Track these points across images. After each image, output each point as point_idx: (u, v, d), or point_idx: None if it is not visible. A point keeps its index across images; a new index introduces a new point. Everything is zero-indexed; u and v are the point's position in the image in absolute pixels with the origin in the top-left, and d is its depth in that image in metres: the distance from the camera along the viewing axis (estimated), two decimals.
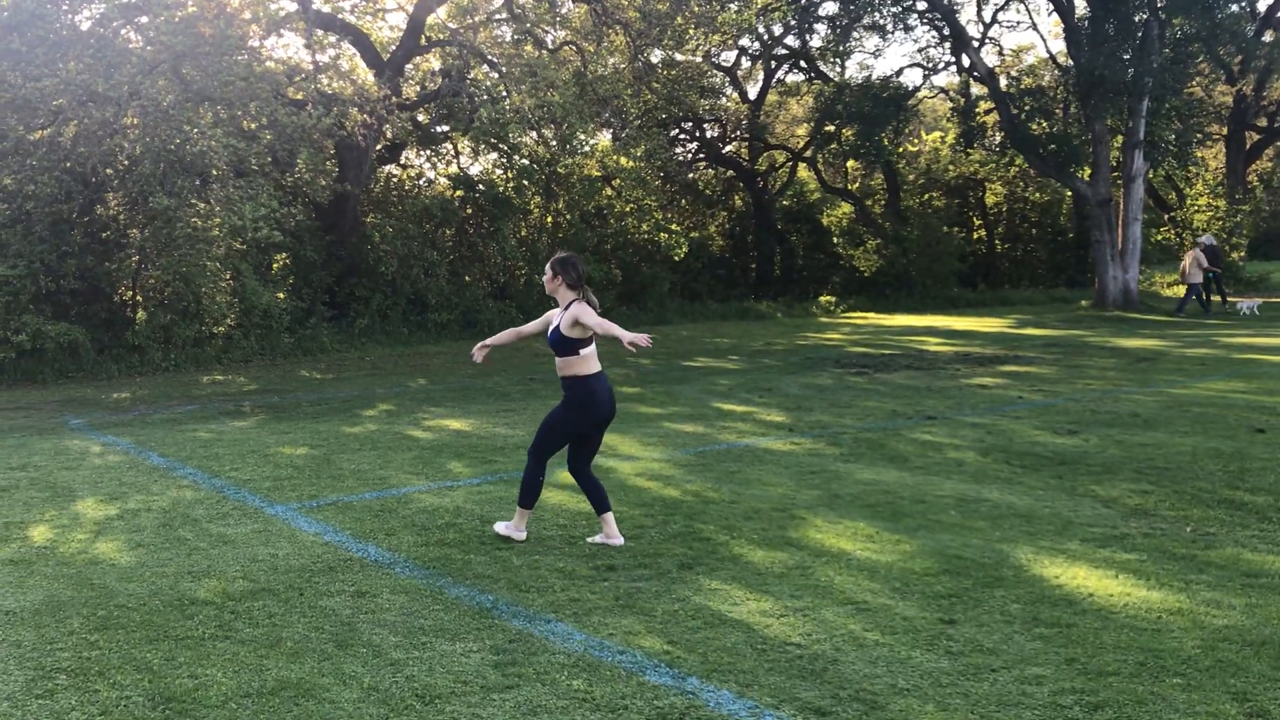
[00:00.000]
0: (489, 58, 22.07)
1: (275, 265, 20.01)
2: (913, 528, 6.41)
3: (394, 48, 22.05)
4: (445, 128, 23.14)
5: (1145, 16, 25.23)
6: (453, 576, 5.62)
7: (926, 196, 34.53)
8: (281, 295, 18.71)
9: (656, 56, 27.00)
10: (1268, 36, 32.20)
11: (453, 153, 25.38)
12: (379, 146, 22.03)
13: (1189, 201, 34.60)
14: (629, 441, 9.57)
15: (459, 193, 23.21)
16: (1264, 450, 8.43)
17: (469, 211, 23.23)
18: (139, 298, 17.44)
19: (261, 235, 16.78)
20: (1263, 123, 36.30)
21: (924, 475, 7.89)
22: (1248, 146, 36.09)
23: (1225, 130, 35.33)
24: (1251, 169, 38.40)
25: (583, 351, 6.08)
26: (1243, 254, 34.18)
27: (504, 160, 24.05)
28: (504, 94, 21.95)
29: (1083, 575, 5.40)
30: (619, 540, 6.16)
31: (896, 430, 9.88)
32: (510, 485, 7.74)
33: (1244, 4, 27.74)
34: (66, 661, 4.54)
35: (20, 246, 15.03)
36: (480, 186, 23.45)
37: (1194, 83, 29.50)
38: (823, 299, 29.54)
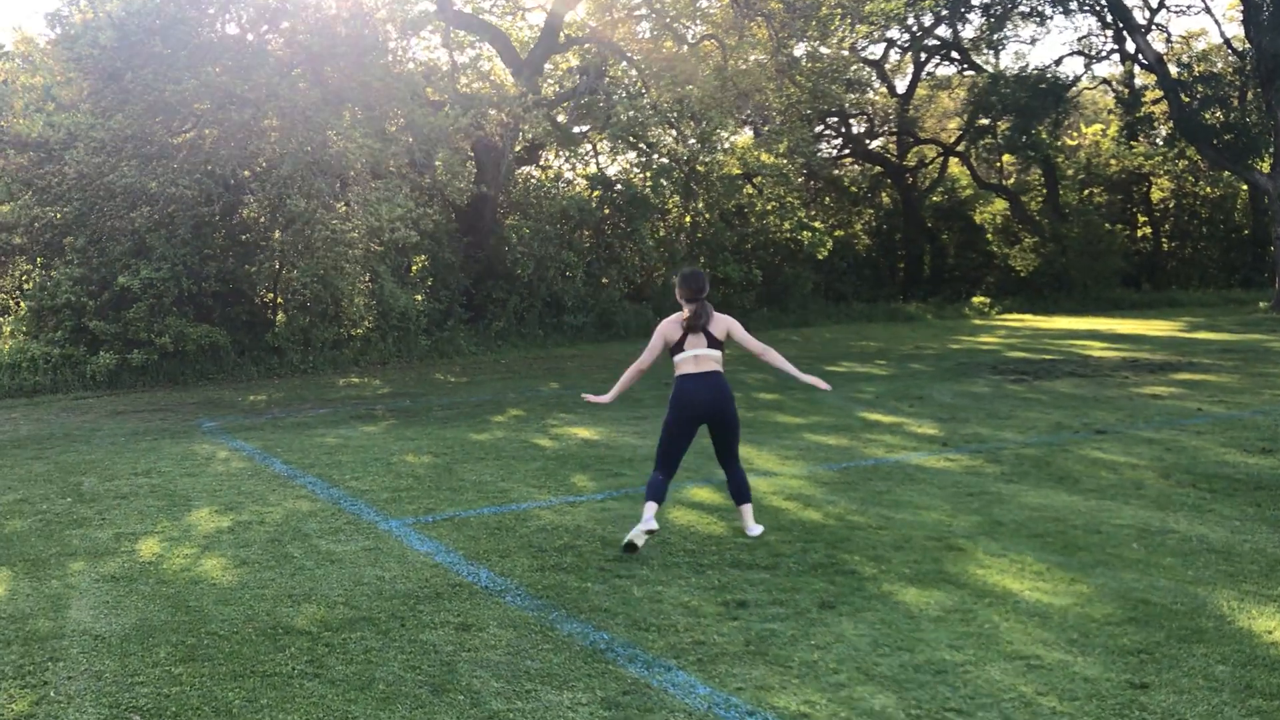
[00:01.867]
0: (627, 54, 21.64)
1: (414, 268, 19.98)
2: (1089, 564, 5.61)
3: (533, 46, 21.83)
4: (584, 127, 22.83)
5: None
6: (566, 609, 5.09)
7: (1087, 192, 32.81)
8: (419, 297, 18.64)
9: (800, 50, 26.20)
10: None
11: (591, 152, 25.09)
12: (517, 148, 21.86)
13: None
14: (765, 455, 8.93)
15: (596, 193, 22.88)
16: None
17: (606, 212, 22.88)
18: (279, 300, 17.56)
19: (399, 236, 16.71)
20: None
21: (1098, 499, 7.03)
22: None
23: None
24: None
25: (676, 357, 6.48)
26: None
27: (642, 159, 23.63)
28: (642, 91, 21.53)
29: None
30: (754, 530, 6.34)
31: (1063, 446, 8.99)
32: (635, 501, 7.20)
33: None
34: (145, 699, 4.17)
35: (164, 249, 15.23)
36: (618, 186, 23.07)
37: None
38: (976, 300, 28.26)
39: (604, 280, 21.84)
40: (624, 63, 22.00)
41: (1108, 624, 4.71)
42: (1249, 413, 10.47)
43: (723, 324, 6.44)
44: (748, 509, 6.39)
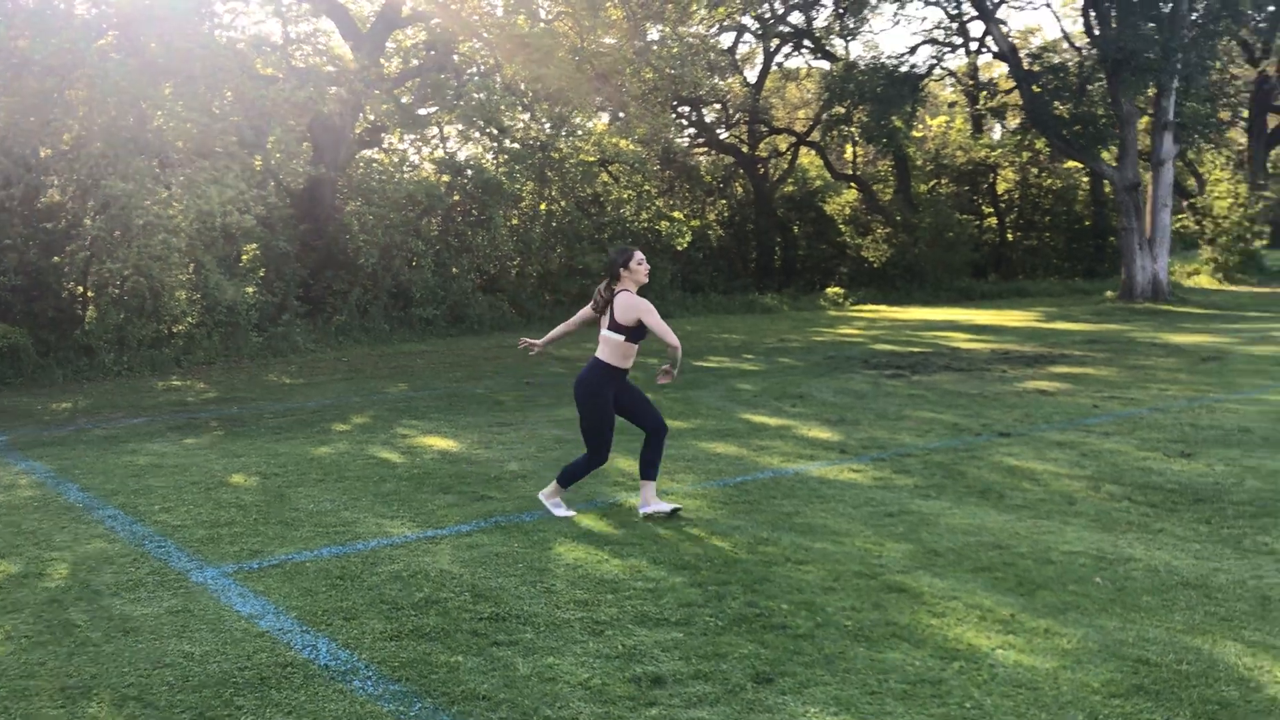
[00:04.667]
0: (478, 31, 20.31)
1: (244, 257, 18.23)
2: (1057, 606, 4.76)
3: (374, 20, 20.29)
4: (431, 108, 21.37)
5: None
6: (433, 696, 3.95)
7: (934, 183, 32.91)
8: (250, 289, 16.94)
9: (655, 33, 25.29)
10: None
11: (439, 136, 23.64)
12: (358, 129, 20.29)
13: (1209, 187, 33.06)
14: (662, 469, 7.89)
15: (445, 178, 21.48)
16: None
17: (456, 198, 21.49)
18: (89, 294, 15.66)
19: (231, 221, 15.06)
20: None
21: (1032, 518, 6.24)
22: (1269, 130, 34.54)
23: (1247, 113, 33.76)
24: (1274, 153, 36.87)
25: None
26: (1264, 242, 32.62)
27: (494, 144, 22.33)
28: (495, 70, 20.26)
29: None
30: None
31: (970, 451, 8.24)
32: (508, 533, 6.07)
33: None
34: None
35: None
36: (469, 171, 21.71)
37: (1217, 65, 27.92)
38: (830, 291, 27.90)
39: (454, 270, 20.46)
40: (475, 40, 20.66)
41: (1113, 696, 3.83)
42: (1146, 410, 9.97)
43: (629, 309, 6.14)
44: (551, 489, 6.55)
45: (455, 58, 20.96)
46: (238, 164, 15.87)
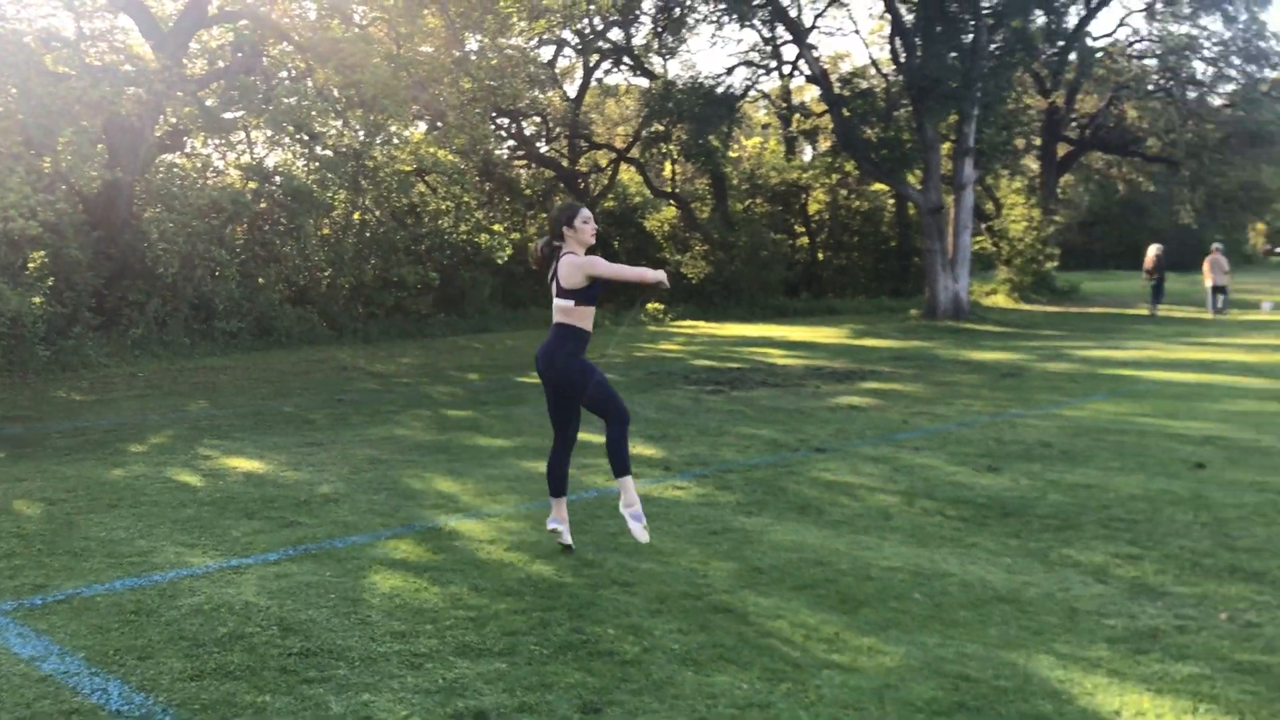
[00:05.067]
0: (289, 34, 19.60)
1: (31, 265, 17.02)
2: (879, 623, 4.80)
3: (177, 18, 19.33)
4: (238, 112, 20.50)
5: (972, 22, 24.82)
6: None
7: (749, 202, 33.64)
8: (37, 300, 15.82)
9: (475, 44, 25.00)
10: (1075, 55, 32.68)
11: (246, 141, 22.71)
12: (158, 131, 19.27)
13: (1005, 211, 34.89)
14: (470, 488, 7.69)
15: (252, 184, 20.63)
16: (1222, 493, 7.24)
17: (264, 206, 20.67)
18: None
19: (15, 228, 14.05)
20: (1074, 134, 36.98)
21: (851, 534, 6.32)
22: (1059, 158, 36.70)
23: (1039, 141, 35.80)
24: (1063, 180, 39.20)
25: None
26: (1055, 264, 34.61)
27: (305, 150, 21.58)
28: (307, 75, 19.59)
29: (1151, 708, 3.88)
30: (640, 533, 5.67)
31: (789, 467, 8.33)
32: (319, 561, 5.77)
33: (1053, 19, 27.82)
34: None
35: None
36: (277, 178, 20.92)
37: (1013, 95, 29.51)
38: (650, 306, 28.10)
39: (261, 281, 19.64)
40: (285, 44, 19.93)
41: (936, 714, 3.85)
42: (953, 425, 10.33)
43: (573, 270, 5.69)
44: (626, 481, 5.72)
45: (265, 60, 20.21)
46: (23, 165, 14.84)
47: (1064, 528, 6.41)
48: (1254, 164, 38.43)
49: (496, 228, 25.94)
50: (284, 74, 20.33)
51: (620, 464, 5.71)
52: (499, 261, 24.57)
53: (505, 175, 30.04)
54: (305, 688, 4.11)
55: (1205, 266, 27.09)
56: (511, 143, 31.51)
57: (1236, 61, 33.89)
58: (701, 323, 26.12)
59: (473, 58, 23.90)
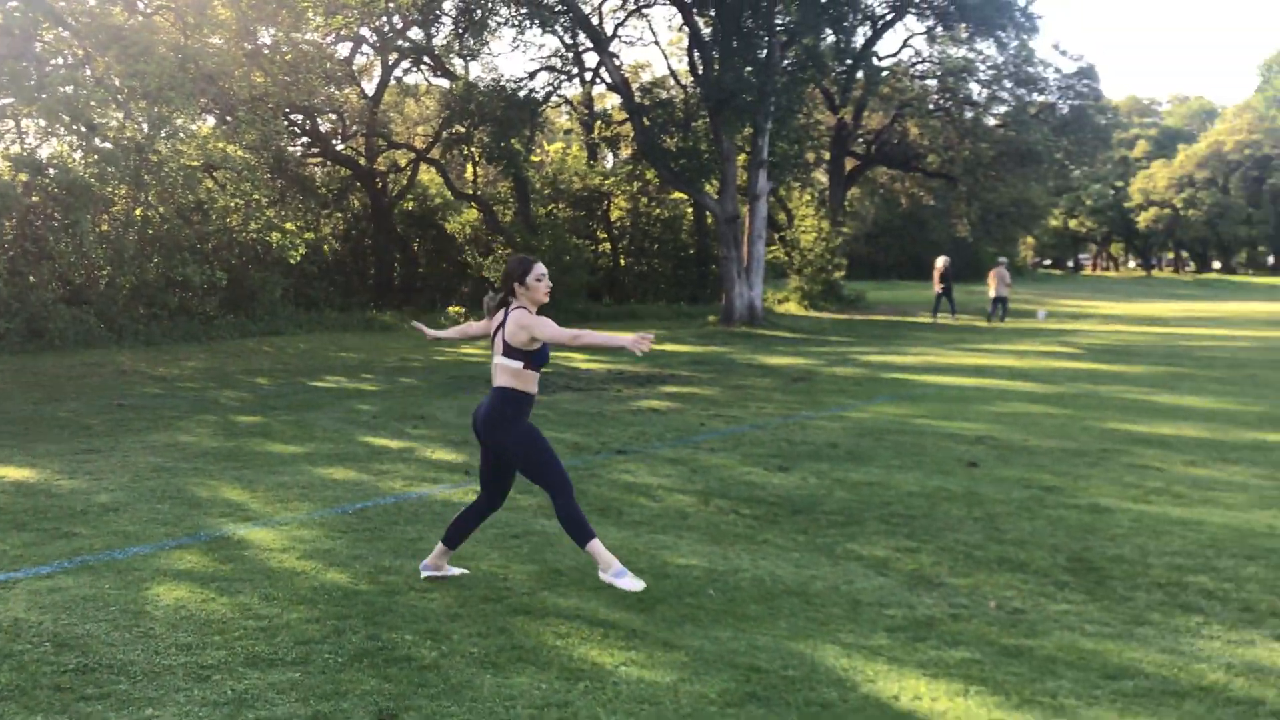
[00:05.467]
0: (65, 19, 18.49)
1: None
2: (674, 620, 4.92)
3: None
4: (7, 99, 19.20)
5: (767, 38, 25.64)
6: None
7: (552, 207, 33.74)
8: None
9: (268, 38, 24.20)
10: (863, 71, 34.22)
11: (15, 130, 21.28)
12: None
13: (797, 222, 36.15)
14: (260, 495, 7.44)
15: (22, 177, 19.35)
16: (992, 488, 7.73)
17: (36, 199, 19.42)
18: None
19: None
20: (861, 149, 38.64)
21: (650, 534, 6.44)
22: (846, 172, 38.29)
23: (829, 155, 37.26)
24: (851, 193, 40.92)
25: None
26: (843, 273, 36.07)
27: (83, 142, 20.39)
28: (85, 63, 18.54)
29: (926, 692, 4.11)
30: (620, 583, 5.13)
31: (590, 470, 8.42)
32: (97, 574, 5.48)
33: (842, 38, 29.08)
34: None
35: None
36: (51, 170, 19.68)
37: (805, 110, 30.63)
38: (452, 310, 27.80)
39: (32, 279, 18.44)
40: (61, 29, 18.78)
41: (728, 705, 3.98)
42: (748, 427, 10.65)
43: (520, 328, 5.21)
44: (594, 547, 5.20)
45: (38, 46, 18.99)
46: None
47: (849, 523, 6.71)
48: (1024, 181, 41.09)
49: (289, 226, 25.15)
50: (59, 60, 19.16)
51: (580, 534, 5.23)
52: (291, 261, 23.82)
53: (299, 173, 29.17)
54: (82, 705, 3.90)
55: (990, 278, 29.06)
56: (306, 140, 30.63)
57: (1008, 85, 36.21)
58: None
59: (265, 51, 23.16)
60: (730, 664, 4.37)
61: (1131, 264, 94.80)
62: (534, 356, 5.25)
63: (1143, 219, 78.01)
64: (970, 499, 7.40)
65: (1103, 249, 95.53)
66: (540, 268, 5.38)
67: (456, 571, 5.54)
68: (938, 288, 29.34)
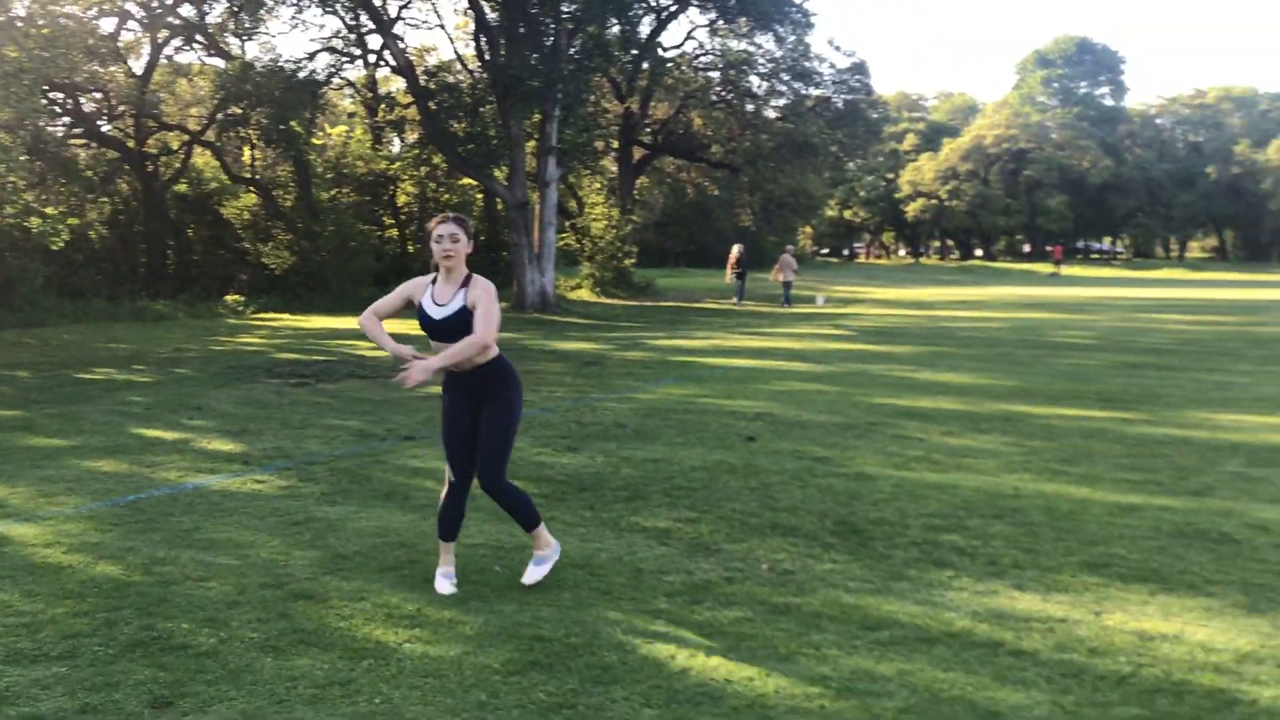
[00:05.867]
0: None
1: None
2: (460, 597, 4.98)
3: None
4: None
5: (553, 25, 25.77)
6: None
7: (335, 192, 32.94)
8: None
9: (22, 9, 22.63)
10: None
11: None
12: None
13: (587, 209, 36.48)
14: (22, 491, 7.06)
15: None
16: (768, 461, 8.09)
17: None
18: None
19: None
20: (648, 139, 39.28)
21: (435, 517, 6.45)
22: (635, 161, 38.87)
23: (617, 144, 37.72)
24: (639, 182, 41.52)
25: None
26: (633, 260, 36.65)
27: None
28: None
29: (701, 650, 4.32)
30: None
31: (376, 456, 8.35)
32: None
33: (627, 28, 29.54)
34: None
35: None
36: None
37: (593, 98, 30.93)
38: (229, 299, 26.83)
39: None
40: None
41: (512, 674, 4.07)
42: (538, 410, 10.75)
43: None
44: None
45: None
46: None
47: (633, 498, 6.91)
48: (802, 173, 42.73)
49: (50, 211, 23.66)
50: None
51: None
52: (53, 248, 22.44)
53: (60, 154, 27.45)
54: None
55: (777, 265, 30.52)
56: (67, 119, 28.84)
57: (786, 78, 37.52)
58: (286, 315, 25.29)
59: (19, 24, 21.67)
60: (514, 635, 4.47)
61: (902, 252, 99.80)
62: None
63: (911, 209, 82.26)
64: (748, 471, 7.73)
65: (875, 238, 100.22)
66: (441, 227, 5.00)
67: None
68: (732, 274, 30.67)
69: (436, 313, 5.00)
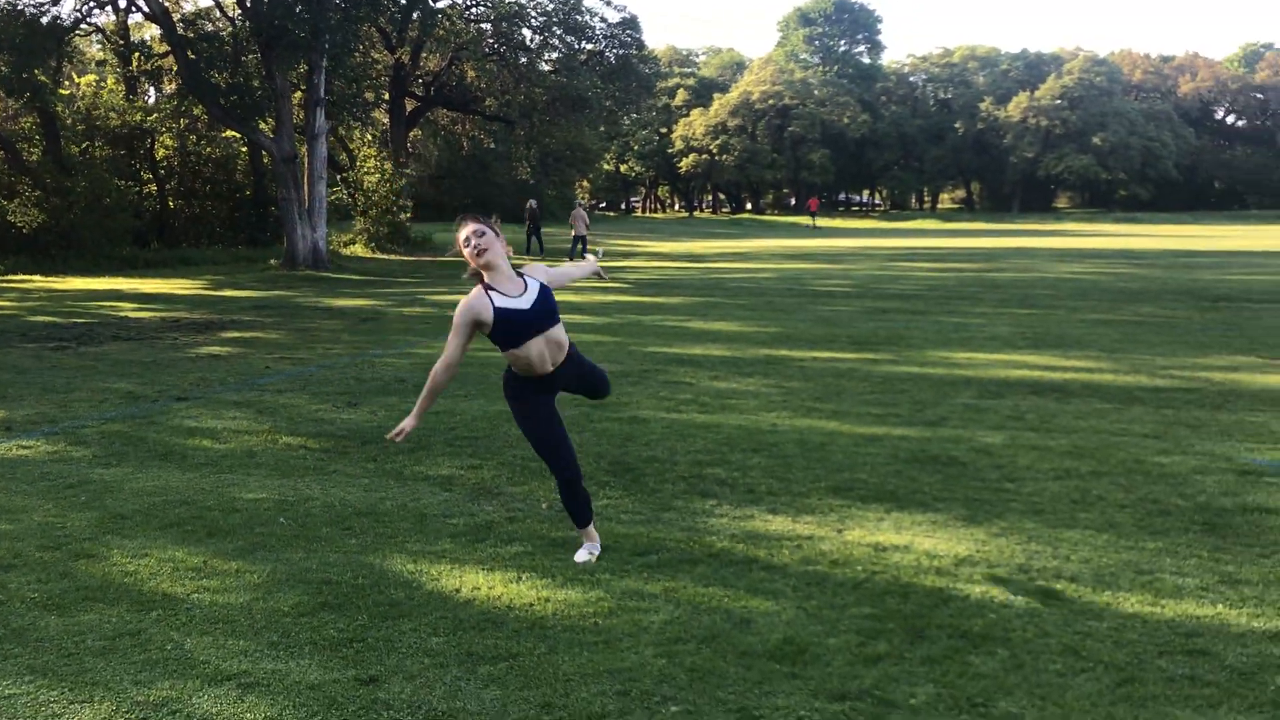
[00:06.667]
0: None
1: None
2: (246, 548, 5.09)
3: None
4: None
5: None
6: None
7: (87, 145, 31.03)
8: None
9: None
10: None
11: None
12: None
13: (359, 163, 35.69)
14: None
15: None
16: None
17: None
18: None
19: None
20: (420, 91, 38.69)
21: (216, 474, 6.49)
22: (407, 113, 38.25)
23: (388, 96, 37.01)
24: (413, 134, 40.86)
25: None
26: (409, 215, 36.16)
27: None
28: None
29: (484, 583, 4.62)
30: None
31: (149, 418, 8.21)
32: None
33: None
34: None
35: None
36: None
37: (362, 48, 30.25)
38: None
39: None
40: None
41: (303, 615, 4.26)
42: (315, 368, 10.72)
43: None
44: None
45: None
46: None
47: (416, 449, 7.11)
48: (577, 127, 43.08)
49: None
50: None
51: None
52: None
53: None
54: None
55: (571, 218, 31.13)
56: None
57: (559, 32, 37.72)
58: (37, 277, 23.84)
59: None
60: (303, 580, 4.65)
61: (677, 206, 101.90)
62: (495, 339, 4.74)
63: (684, 164, 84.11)
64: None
65: (651, 192, 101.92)
66: (463, 230, 4.64)
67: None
68: (528, 228, 31.31)
69: (526, 304, 4.68)
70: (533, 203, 32.30)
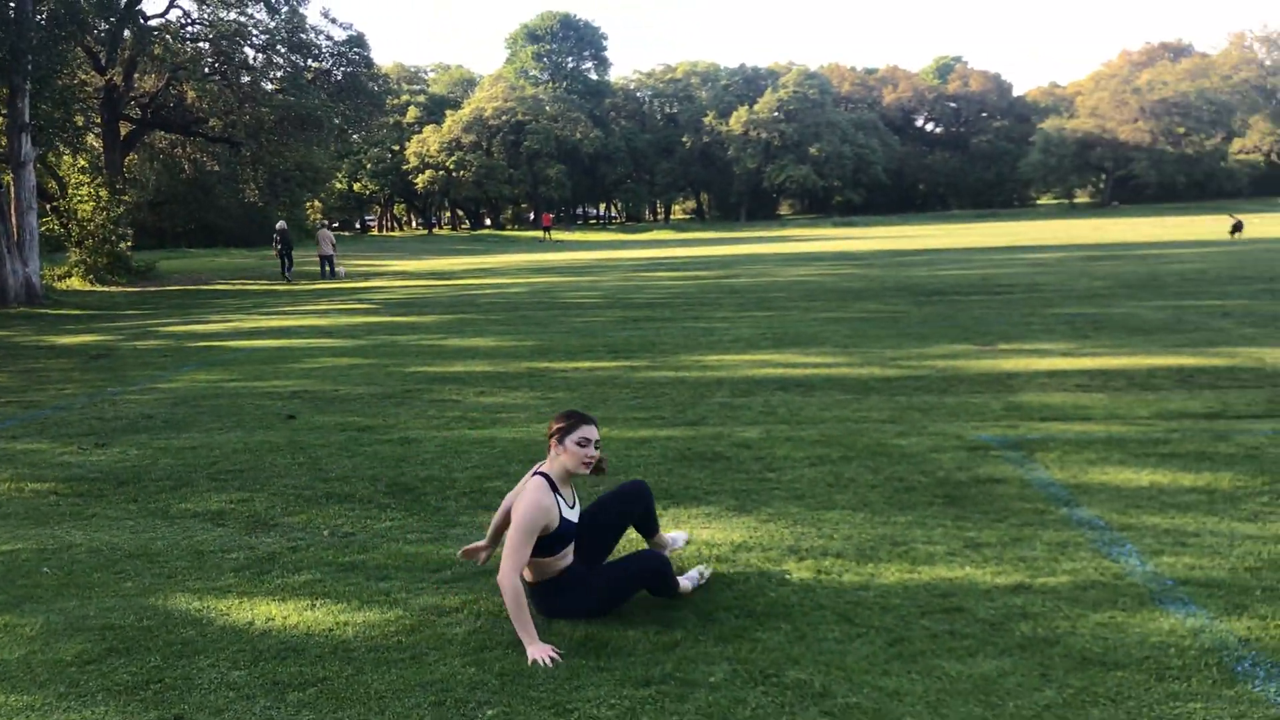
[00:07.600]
0: None
1: None
2: (11, 602, 4.81)
3: None
4: None
5: None
6: None
7: None
8: None
9: None
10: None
11: None
12: None
13: (71, 190, 33.43)
14: None
15: None
16: (312, 436, 8.28)
17: None
18: None
19: None
20: (136, 113, 36.65)
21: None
22: (123, 137, 36.15)
23: (100, 119, 34.86)
24: (129, 159, 38.59)
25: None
26: (129, 244, 34.17)
27: None
28: None
29: (278, 613, 4.56)
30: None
31: None
32: None
33: None
34: None
35: None
36: None
37: (69, 70, 28.41)
38: None
39: None
40: None
41: (89, 662, 4.09)
42: (50, 410, 10.08)
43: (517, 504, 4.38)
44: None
45: None
46: None
47: (179, 486, 6.85)
48: (306, 146, 41.88)
49: None
50: None
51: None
52: None
53: None
54: None
55: (317, 238, 32.59)
56: None
57: (283, 50, 36.61)
58: None
59: None
60: (82, 628, 4.45)
61: (415, 223, 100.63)
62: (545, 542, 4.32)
63: (420, 181, 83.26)
64: (293, 447, 7.88)
65: (387, 210, 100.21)
66: (587, 429, 4.37)
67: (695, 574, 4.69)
68: (276, 250, 31.77)
69: (575, 516, 4.51)
70: (282, 224, 32.57)
